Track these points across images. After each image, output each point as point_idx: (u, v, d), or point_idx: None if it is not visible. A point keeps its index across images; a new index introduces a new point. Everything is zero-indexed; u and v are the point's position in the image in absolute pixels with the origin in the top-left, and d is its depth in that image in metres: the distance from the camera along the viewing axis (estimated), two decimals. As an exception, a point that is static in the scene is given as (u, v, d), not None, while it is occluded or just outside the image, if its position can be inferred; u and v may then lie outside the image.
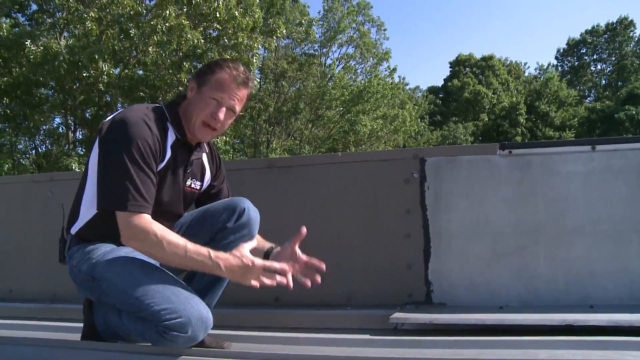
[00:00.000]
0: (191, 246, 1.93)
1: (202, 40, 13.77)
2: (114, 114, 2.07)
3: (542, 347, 1.92)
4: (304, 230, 2.15)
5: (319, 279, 2.10)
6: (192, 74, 2.14)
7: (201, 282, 2.25)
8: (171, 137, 2.13)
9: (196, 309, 1.91)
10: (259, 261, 1.93)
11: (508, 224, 2.57)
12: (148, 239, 1.93)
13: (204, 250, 1.93)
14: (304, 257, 2.15)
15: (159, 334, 1.90)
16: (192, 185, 2.30)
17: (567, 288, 2.48)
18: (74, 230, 2.14)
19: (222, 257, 1.92)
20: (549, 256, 2.53)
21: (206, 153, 2.36)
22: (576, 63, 50.75)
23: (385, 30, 28.65)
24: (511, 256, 2.56)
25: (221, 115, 2.13)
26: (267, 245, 2.29)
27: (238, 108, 2.17)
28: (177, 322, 1.87)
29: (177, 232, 2.29)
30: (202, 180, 2.36)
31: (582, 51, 50.41)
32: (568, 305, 2.44)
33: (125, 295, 1.96)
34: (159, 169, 2.06)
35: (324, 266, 2.11)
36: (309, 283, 2.06)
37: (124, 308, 2.03)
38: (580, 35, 49.94)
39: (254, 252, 2.05)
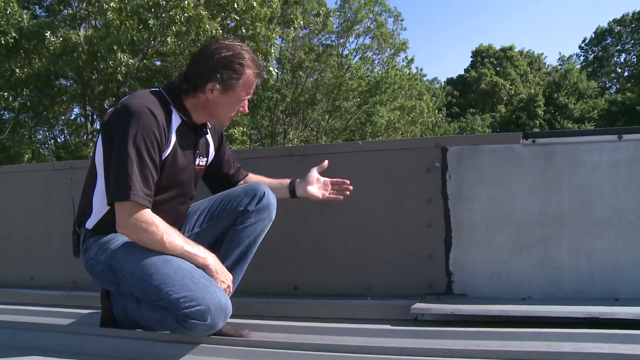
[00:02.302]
0: (182, 239, 2.03)
1: (220, 31, 13.75)
2: (117, 103, 2.06)
3: (567, 340, 1.89)
4: (326, 162, 2.54)
5: (347, 192, 2.51)
6: (210, 73, 2.15)
7: (234, 253, 2.30)
8: (176, 121, 2.13)
9: (215, 297, 1.91)
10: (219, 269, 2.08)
11: (531, 214, 2.52)
12: (141, 227, 1.96)
13: (196, 246, 2.06)
14: (327, 179, 2.53)
15: (178, 322, 1.90)
16: (200, 163, 2.33)
17: (592, 280, 2.43)
18: (89, 224, 2.15)
19: (212, 255, 2.08)
20: (573, 247, 2.47)
21: (209, 128, 2.37)
22: (600, 53, 49.80)
23: (402, 20, 28.48)
24: (534, 247, 2.51)
25: (247, 108, 2.26)
26: (286, 181, 2.51)
27: None
28: (196, 310, 1.87)
29: (197, 218, 2.31)
30: (207, 156, 2.38)
31: (607, 41, 49.40)
32: (593, 297, 2.39)
33: (143, 283, 1.96)
34: (165, 154, 2.07)
35: (348, 181, 2.50)
36: (341, 197, 2.52)
37: (142, 297, 2.04)
38: (608, 24, 48.90)
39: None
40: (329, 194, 2.52)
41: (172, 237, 2.00)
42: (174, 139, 2.10)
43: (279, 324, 2.37)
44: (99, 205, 2.10)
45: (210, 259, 2.05)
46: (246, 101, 2.23)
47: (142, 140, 1.94)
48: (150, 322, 2.07)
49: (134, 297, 2.08)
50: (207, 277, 1.99)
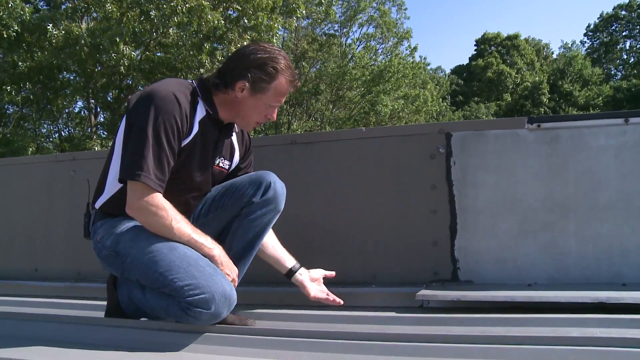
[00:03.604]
0: (190, 227, 2.03)
1: (222, 21, 13.71)
2: (145, 87, 2.06)
3: (574, 325, 1.87)
4: (334, 274, 2.43)
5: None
6: (243, 71, 2.09)
7: (239, 244, 2.27)
8: (201, 113, 2.11)
9: (220, 286, 1.90)
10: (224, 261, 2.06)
11: (536, 200, 2.50)
12: (151, 210, 1.95)
13: (203, 235, 2.05)
14: (325, 289, 2.37)
15: (182, 310, 1.90)
16: (221, 164, 2.30)
17: (598, 265, 2.41)
18: (98, 204, 2.15)
19: (218, 247, 2.07)
20: (579, 232, 2.45)
21: (236, 133, 2.36)
22: (605, 39, 49.35)
23: (405, 9, 28.35)
24: (539, 232, 2.49)
25: (275, 116, 2.22)
26: (289, 260, 2.38)
27: None
28: (200, 298, 1.86)
29: (202, 207, 2.29)
30: (231, 160, 2.35)
31: (613, 27, 48.92)
32: (599, 283, 2.36)
33: (148, 270, 1.96)
34: (184, 143, 2.05)
35: (341, 303, 2.32)
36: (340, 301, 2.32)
37: (147, 283, 2.03)
38: (613, 9, 48.37)
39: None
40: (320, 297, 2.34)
41: (181, 224, 1.99)
42: (195, 129, 2.08)
43: (284, 312, 2.35)
44: (111, 185, 2.10)
45: (216, 249, 2.04)
46: (275, 109, 2.21)
47: (162, 125, 1.94)
48: (155, 310, 2.06)
49: (140, 284, 2.07)
50: (213, 265, 1.98)
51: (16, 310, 2.66)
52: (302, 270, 2.36)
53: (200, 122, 2.10)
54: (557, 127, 2.50)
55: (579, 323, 1.87)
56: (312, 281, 2.35)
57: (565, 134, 2.49)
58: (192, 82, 2.17)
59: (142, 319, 2.18)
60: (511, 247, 2.52)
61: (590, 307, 2.02)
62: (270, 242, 2.39)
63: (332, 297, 2.32)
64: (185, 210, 2.14)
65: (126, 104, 2.09)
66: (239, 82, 2.08)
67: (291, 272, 2.34)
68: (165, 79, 2.14)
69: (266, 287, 2.70)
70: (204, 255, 2.00)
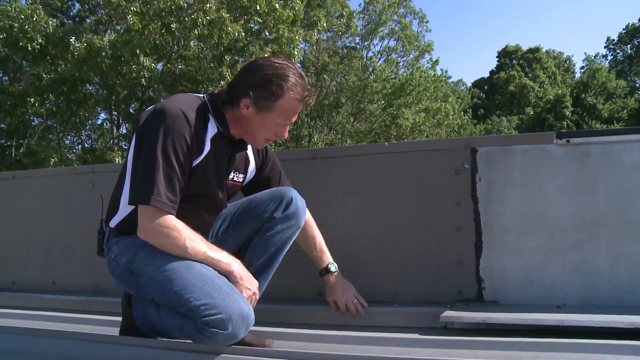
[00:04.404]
0: (206, 244, 1.98)
1: (243, 34, 13.77)
2: (156, 104, 2.01)
3: (607, 352, 1.78)
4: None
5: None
6: (246, 88, 2.03)
7: (259, 260, 2.23)
8: (212, 130, 2.06)
9: (237, 306, 1.84)
10: (244, 275, 2.01)
11: (566, 217, 2.40)
12: (163, 232, 1.91)
13: (220, 251, 2.00)
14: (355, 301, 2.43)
15: (198, 330, 1.84)
16: (235, 179, 2.25)
17: (632, 287, 2.30)
18: (113, 223, 2.11)
19: (236, 261, 2.02)
20: (611, 251, 2.34)
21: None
22: (629, 52, 48.68)
23: (427, 22, 28.27)
24: (569, 251, 2.39)
25: (286, 134, 2.13)
26: (326, 258, 2.43)
27: None
28: (217, 319, 1.80)
29: (221, 224, 2.24)
30: (245, 172, 2.30)
31: (639, 39, 48.22)
32: (634, 306, 2.25)
33: (163, 288, 1.91)
34: (196, 162, 2.00)
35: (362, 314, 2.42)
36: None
37: (162, 302, 1.98)
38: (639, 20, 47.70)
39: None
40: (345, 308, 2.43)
41: (195, 242, 1.94)
42: (207, 147, 2.03)
43: (303, 332, 2.29)
44: (125, 205, 2.05)
45: (234, 264, 1.99)
46: (286, 127, 2.13)
47: (171, 145, 1.89)
48: (170, 329, 2.01)
49: (155, 302, 2.02)
50: (230, 284, 1.93)
51: (30, 324, 2.64)
52: (334, 276, 2.41)
53: (212, 140, 2.05)
54: (588, 142, 2.41)
55: (613, 350, 1.78)
56: (344, 290, 2.42)
57: (596, 150, 2.39)
58: (204, 96, 2.12)
59: (157, 337, 2.13)
60: (539, 267, 2.43)
61: (625, 332, 1.92)
62: (312, 235, 2.41)
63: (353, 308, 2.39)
64: (201, 227, 2.10)
65: (138, 121, 2.05)
66: (243, 100, 2.02)
67: (323, 271, 2.41)
68: (176, 95, 2.10)
69: (286, 304, 2.64)
70: (222, 272, 1.95)
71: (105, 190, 2.32)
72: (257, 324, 2.00)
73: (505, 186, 2.49)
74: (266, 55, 13.37)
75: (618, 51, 49.97)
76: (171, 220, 1.91)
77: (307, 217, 2.38)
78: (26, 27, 11.97)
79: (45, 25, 12.27)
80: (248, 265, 2.11)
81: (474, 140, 2.57)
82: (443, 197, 2.58)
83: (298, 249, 2.35)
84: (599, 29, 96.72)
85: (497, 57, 49.92)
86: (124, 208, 2.06)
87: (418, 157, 2.65)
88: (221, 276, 1.93)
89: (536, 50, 47.82)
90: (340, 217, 2.74)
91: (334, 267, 2.41)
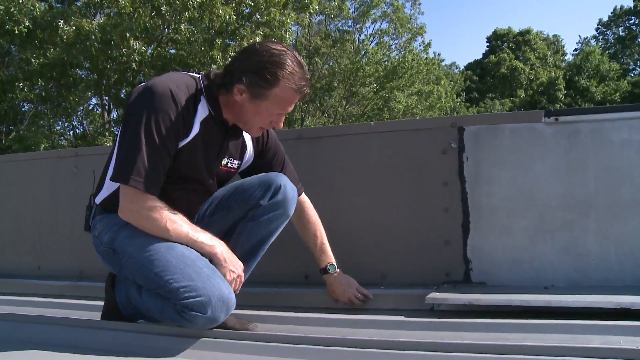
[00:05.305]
0: (188, 225, 1.93)
1: (234, 17, 13.63)
2: (147, 81, 1.96)
3: (595, 333, 1.74)
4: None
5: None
6: (239, 74, 1.94)
7: (242, 249, 2.15)
8: (203, 112, 2.00)
9: (217, 288, 1.80)
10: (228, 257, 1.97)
11: (554, 197, 2.37)
12: (143, 214, 1.87)
13: (203, 233, 1.95)
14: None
15: (177, 312, 1.82)
16: (229, 165, 2.18)
17: (621, 267, 2.27)
18: (98, 199, 2.08)
19: (220, 243, 1.97)
20: (600, 232, 2.32)
21: None
22: (621, 34, 48.58)
23: (419, 4, 28.12)
24: (558, 231, 2.36)
25: (281, 124, 2.07)
26: (328, 256, 2.39)
27: None
28: (196, 301, 1.77)
29: (208, 207, 2.19)
30: (241, 158, 2.23)
31: (631, 21, 48.04)
32: (622, 286, 2.23)
33: (144, 269, 1.87)
34: (183, 143, 1.95)
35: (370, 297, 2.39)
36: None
37: (143, 284, 1.95)
38: (633, 1, 47.37)
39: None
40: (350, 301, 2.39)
41: (177, 224, 1.90)
42: (196, 130, 1.97)
43: (288, 315, 2.26)
44: (110, 182, 2.01)
45: (218, 246, 1.94)
46: (281, 117, 2.05)
47: (156, 124, 1.84)
48: (151, 311, 1.98)
49: (137, 284, 1.99)
50: (211, 266, 1.88)
51: (14, 310, 2.60)
52: (337, 273, 2.38)
53: (201, 122, 1.99)
54: (577, 120, 2.37)
55: (601, 330, 1.75)
56: (347, 286, 2.39)
57: (586, 128, 2.36)
58: (199, 77, 2.05)
59: (140, 321, 2.10)
60: (527, 247, 2.40)
61: (614, 313, 1.89)
62: (313, 231, 2.37)
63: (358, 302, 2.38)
64: (187, 210, 2.05)
65: (128, 97, 2.00)
66: (236, 86, 1.95)
67: (323, 270, 2.38)
68: (169, 73, 2.03)
69: (271, 287, 2.61)
70: (205, 254, 1.91)
71: (88, 173, 2.29)
72: (241, 307, 1.98)
73: (493, 166, 2.45)
74: (258, 39, 13.28)
75: (608, 33, 49.85)
76: (152, 201, 1.87)
77: (310, 210, 2.37)
78: (12, 9, 11.77)
79: (32, 8, 12.08)
80: (245, 240, 2.11)
81: (461, 119, 2.53)
82: (430, 177, 2.54)
83: (283, 230, 2.30)
84: (591, 11, 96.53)
85: (487, 41, 49.75)
86: (109, 185, 2.02)
87: (404, 137, 2.61)
88: (203, 258, 1.89)
89: (526, 32, 47.65)
90: (326, 198, 2.69)
91: (333, 268, 2.36)
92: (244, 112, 2.01)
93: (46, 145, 14.68)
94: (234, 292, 1.90)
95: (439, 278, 2.49)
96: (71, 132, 21.03)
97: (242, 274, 1.99)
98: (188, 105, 1.93)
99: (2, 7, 11.67)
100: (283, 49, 1.96)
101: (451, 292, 2.27)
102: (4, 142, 15.96)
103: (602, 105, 24.60)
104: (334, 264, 2.37)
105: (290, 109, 2.03)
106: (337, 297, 2.38)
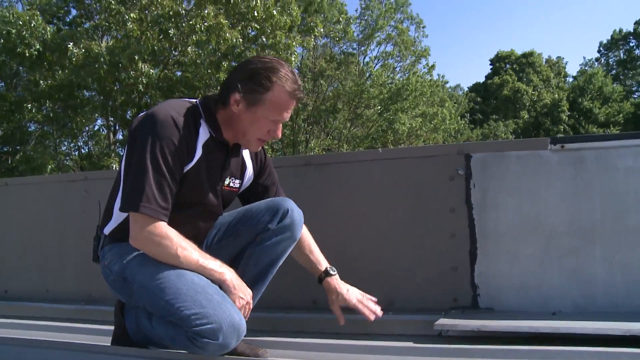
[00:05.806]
0: (198, 252, 1.94)
1: (241, 40, 13.78)
2: (147, 110, 1.99)
3: (603, 359, 1.76)
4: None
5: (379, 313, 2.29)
6: (235, 83, 2.00)
7: (252, 272, 2.17)
8: (204, 135, 2.03)
9: (228, 315, 1.81)
10: (237, 284, 1.97)
11: (561, 223, 2.39)
12: (154, 241, 1.89)
13: (212, 260, 1.96)
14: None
15: (189, 340, 1.82)
16: (231, 185, 2.21)
17: (628, 294, 2.28)
18: (107, 230, 2.09)
19: (229, 270, 1.98)
20: (606, 258, 2.33)
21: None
22: (622, 56, 48.85)
23: (424, 27, 28.31)
24: (565, 258, 2.38)
25: (279, 133, 2.08)
26: (322, 264, 2.32)
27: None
28: (207, 328, 1.78)
29: (216, 233, 2.21)
30: (242, 178, 2.26)
31: (631, 44, 48.33)
32: (630, 312, 2.24)
33: (155, 297, 1.88)
34: (188, 168, 1.98)
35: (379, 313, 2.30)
36: (372, 317, 2.26)
37: (154, 311, 1.96)
38: (634, 24, 47.64)
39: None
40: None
41: (187, 250, 1.91)
42: (199, 153, 2.01)
43: (297, 341, 2.27)
44: (118, 213, 2.03)
45: (227, 273, 1.96)
46: (279, 125, 2.08)
47: (161, 151, 1.87)
48: (162, 339, 1.99)
49: (147, 311, 2.00)
50: (222, 293, 1.90)
51: (22, 334, 2.61)
52: (334, 277, 2.31)
53: (204, 145, 2.03)
54: (582, 147, 2.40)
55: (609, 357, 1.77)
56: (351, 292, 2.30)
57: (591, 155, 2.38)
58: (196, 101, 2.10)
59: (150, 347, 2.11)
60: (534, 273, 2.41)
61: (622, 340, 1.90)
62: (307, 243, 2.32)
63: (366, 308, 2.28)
64: (195, 235, 2.08)
65: (129, 127, 2.03)
66: (232, 96, 1.99)
67: (321, 278, 2.31)
68: (167, 101, 2.07)
69: (278, 312, 2.62)
70: (215, 281, 1.92)
71: (98, 197, 2.31)
72: (250, 333, 1.98)
73: (499, 192, 2.48)
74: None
75: (611, 55, 50.07)
76: (163, 227, 1.89)
77: (303, 230, 2.34)
78: (24, 33, 11.95)
79: (43, 32, 12.25)
80: (241, 277, 2.08)
81: (468, 147, 2.56)
82: (437, 203, 2.56)
83: (291, 257, 2.32)
84: (593, 35, 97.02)
85: (490, 63, 50.03)
86: (117, 215, 2.04)
87: (412, 164, 2.64)
88: (213, 285, 1.91)
89: (530, 54, 47.92)
90: (334, 224, 2.72)
91: (333, 270, 2.32)
92: (241, 123, 2.04)
93: (52, 166, 14.74)
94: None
95: (446, 304, 2.50)
96: (76, 152, 21.12)
97: (251, 301, 2.00)
98: (190, 129, 1.97)
99: (14, 31, 11.83)
100: (275, 59, 2.04)
101: (460, 318, 2.28)
102: (10, 162, 16.04)
103: (607, 133, 24.61)
104: (333, 267, 2.33)
105: (287, 115, 2.05)
106: (345, 299, 2.27)
